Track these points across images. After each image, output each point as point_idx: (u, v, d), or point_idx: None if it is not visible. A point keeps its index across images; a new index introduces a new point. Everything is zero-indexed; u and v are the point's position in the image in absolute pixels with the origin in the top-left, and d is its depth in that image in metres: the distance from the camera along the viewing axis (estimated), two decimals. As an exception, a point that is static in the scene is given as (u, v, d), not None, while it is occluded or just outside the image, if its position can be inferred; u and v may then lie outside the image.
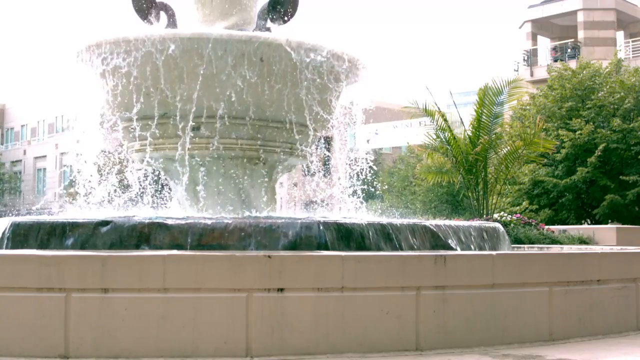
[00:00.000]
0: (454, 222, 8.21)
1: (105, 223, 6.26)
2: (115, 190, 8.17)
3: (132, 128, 7.86)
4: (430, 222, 7.44)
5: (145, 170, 8.64)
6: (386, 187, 38.08)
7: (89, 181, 8.02)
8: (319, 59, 7.75)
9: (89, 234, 6.21)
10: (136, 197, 8.34)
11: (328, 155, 9.17)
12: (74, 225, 6.30)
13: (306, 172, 9.33)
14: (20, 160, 65.98)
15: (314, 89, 7.91)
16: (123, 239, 6.17)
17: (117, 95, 7.84)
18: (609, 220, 24.81)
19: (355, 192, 8.73)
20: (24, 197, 62.05)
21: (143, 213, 7.83)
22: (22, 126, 68.70)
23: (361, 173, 8.75)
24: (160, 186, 8.93)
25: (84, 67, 8.03)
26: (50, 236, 6.29)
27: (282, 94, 7.81)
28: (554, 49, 39.68)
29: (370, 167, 8.84)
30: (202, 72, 7.47)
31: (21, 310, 5.10)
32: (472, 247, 7.54)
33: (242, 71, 7.57)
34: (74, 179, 8.14)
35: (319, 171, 8.95)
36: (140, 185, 8.55)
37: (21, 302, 5.10)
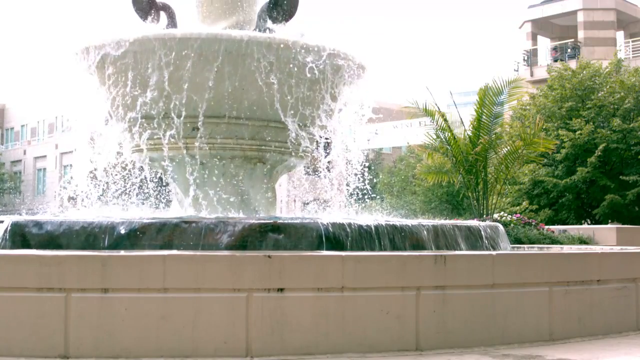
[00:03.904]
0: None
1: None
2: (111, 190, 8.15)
3: (132, 128, 7.84)
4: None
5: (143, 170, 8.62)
6: (377, 193, 38.02)
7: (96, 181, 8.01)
8: (319, 60, 7.73)
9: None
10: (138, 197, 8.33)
11: (326, 156, 9.15)
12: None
13: (307, 172, 9.32)
14: (20, 160, 65.99)
15: (314, 89, 7.90)
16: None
17: (118, 96, 7.82)
18: (609, 220, 24.81)
19: (354, 192, 8.71)
20: (24, 197, 62.02)
21: (143, 213, 7.82)
22: (22, 126, 68.72)
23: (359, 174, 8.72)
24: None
25: (85, 66, 8.01)
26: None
27: (282, 94, 7.80)
28: (554, 49, 39.68)
29: (367, 167, 8.81)
30: (206, 73, 7.45)
31: (21, 310, 5.09)
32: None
33: (243, 72, 7.56)
34: (69, 182, 8.12)
35: (317, 171, 8.93)
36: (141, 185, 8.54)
37: (21, 302, 5.10)
